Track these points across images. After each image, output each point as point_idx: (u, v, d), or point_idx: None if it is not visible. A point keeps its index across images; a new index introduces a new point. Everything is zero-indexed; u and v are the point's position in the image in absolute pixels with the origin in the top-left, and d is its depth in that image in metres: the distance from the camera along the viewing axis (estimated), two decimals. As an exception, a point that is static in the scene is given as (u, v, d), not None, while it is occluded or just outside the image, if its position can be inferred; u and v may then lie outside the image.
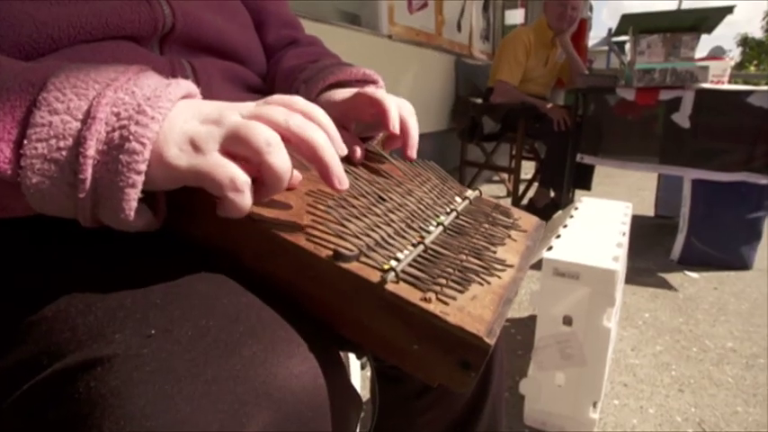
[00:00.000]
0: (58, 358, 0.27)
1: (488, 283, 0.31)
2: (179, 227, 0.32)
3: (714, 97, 1.90)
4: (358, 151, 0.45)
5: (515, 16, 4.09)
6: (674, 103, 1.97)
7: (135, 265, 0.32)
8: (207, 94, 0.48)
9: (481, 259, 0.34)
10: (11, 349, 0.29)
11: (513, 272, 0.33)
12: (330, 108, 0.48)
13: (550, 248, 1.02)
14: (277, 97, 0.34)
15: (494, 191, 3.33)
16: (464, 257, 0.33)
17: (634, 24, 2.46)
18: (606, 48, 5.91)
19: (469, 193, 0.44)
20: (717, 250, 1.99)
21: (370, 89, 0.46)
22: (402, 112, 0.45)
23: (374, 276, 0.28)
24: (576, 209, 1.36)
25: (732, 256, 1.99)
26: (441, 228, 0.35)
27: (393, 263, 0.29)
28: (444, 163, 2.87)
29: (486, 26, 3.54)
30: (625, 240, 1.13)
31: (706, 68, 1.92)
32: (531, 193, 2.75)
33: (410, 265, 0.30)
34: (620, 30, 2.69)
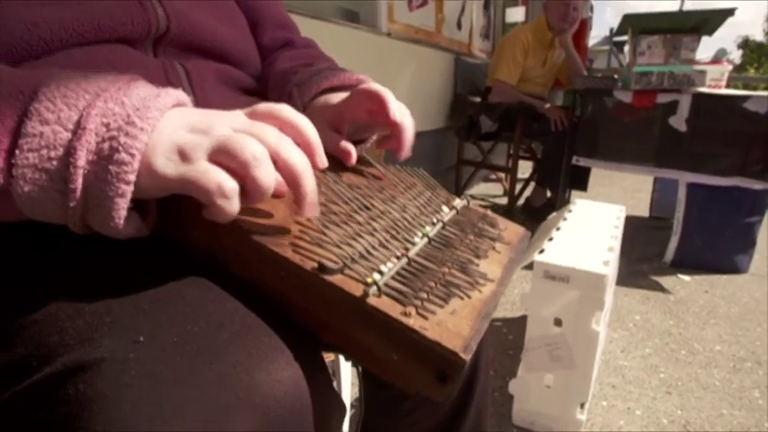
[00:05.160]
0: (48, 361, 0.28)
1: (469, 297, 0.32)
2: (168, 233, 0.33)
3: (711, 101, 1.91)
4: (351, 155, 0.46)
5: (516, 14, 4.08)
6: (670, 107, 1.98)
7: (124, 271, 0.33)
8: (201, 96, 0.49)
9: (465, 273, 0.34)
10: (1, 352, 0.30)
11: (493, 286, 0.34)
12: (325, 110, 0.49)
13: (542, 251, 1.03)
14: (264, 106, 0.34)
15: (490, 189, 3.34)
16: (447, 270, 0.34)
17: (635, 24, 2.45)
18: (607, 47, 5.92)
19: (457, 202, 0.45)
20: (710, 254, 2.00)
21: (367, 84, 0.47)
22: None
23: (357, 290, 0.29)
24: (570, 211, 1.37)
25: (724, 260, 2.00)
26: (426, 239, 0.36)
27: (376, 276, 0.30)
28: (441, 161, 2.87)
29: (486, 24, 3.53)
30: (617, 244, 1.14)
31: (704, 73, 1.93)
32: (527, 193, 2.76)
33: (393, 278, 0.31)
34: (622, 30, 2.68)
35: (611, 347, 1.44)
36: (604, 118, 2.15)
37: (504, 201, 3.06)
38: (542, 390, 1.05)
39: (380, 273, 0.31)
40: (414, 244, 0.35)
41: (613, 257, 1.04)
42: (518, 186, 2.77)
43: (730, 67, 2.17)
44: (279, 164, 0.30)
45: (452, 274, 0.34)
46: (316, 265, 0.30)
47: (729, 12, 2.29)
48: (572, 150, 2.28)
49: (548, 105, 2.47)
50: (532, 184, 2.74)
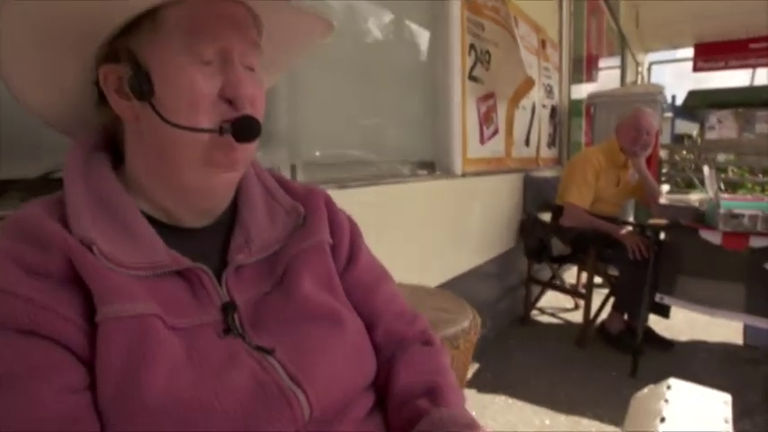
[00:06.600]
0: None
1: None
2: None
3: (812, 251, 1.79)
4: None
5: (582, 91, 4.12)
6: (765, 252, 1.86)
7: None
8: None
9: None
10: None
11: None
12: None
13: (647, 486, 0.95)
14: None
15: (560, 301, 3.22)
16: None
17: (702, 101, 2.32)
18: (671, 114, 5.76)
19: None
20: (826, 420, 1.79)
21: None
22: None
23: None
24: (667, 401, 1.28)
25: None
26: None
27: None
28: (510, 278, 2.82)
29: (552, 132, 3.57)
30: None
31: (801, 219, 1.82)
32: (603, 314, 2.63)
33: None
34: (687, 104, 2.57)
35: None
36: (688, 256, 2.05)
37: (574, 315, 2.93)
38: None
39: None
40: None
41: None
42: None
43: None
44: None
45: None
46: None
47: (805, 86, 2.16)
48: (654, 283, 2.18)
49: (624, 231, 2.40)
50: (606, 302, 2.62)
